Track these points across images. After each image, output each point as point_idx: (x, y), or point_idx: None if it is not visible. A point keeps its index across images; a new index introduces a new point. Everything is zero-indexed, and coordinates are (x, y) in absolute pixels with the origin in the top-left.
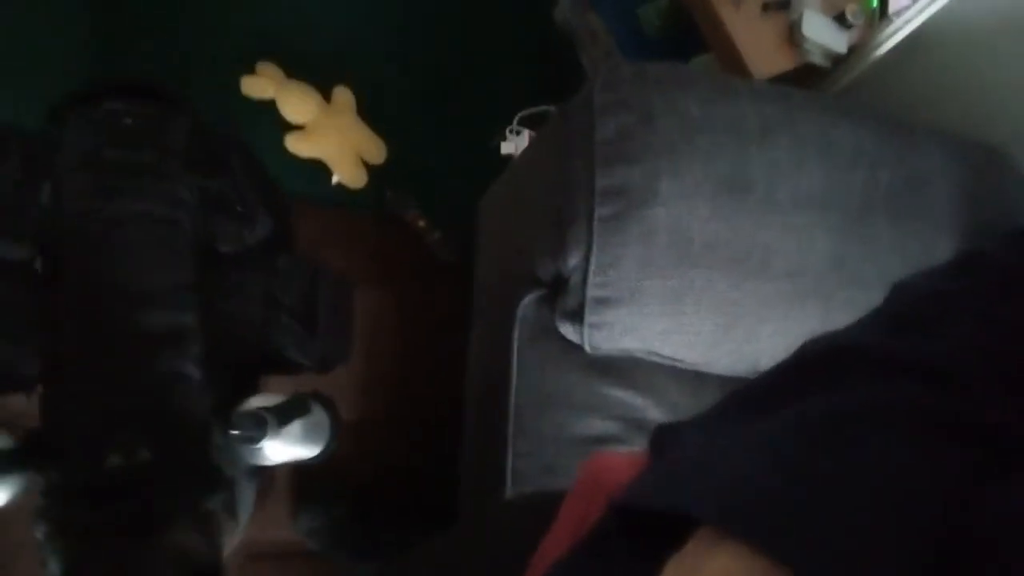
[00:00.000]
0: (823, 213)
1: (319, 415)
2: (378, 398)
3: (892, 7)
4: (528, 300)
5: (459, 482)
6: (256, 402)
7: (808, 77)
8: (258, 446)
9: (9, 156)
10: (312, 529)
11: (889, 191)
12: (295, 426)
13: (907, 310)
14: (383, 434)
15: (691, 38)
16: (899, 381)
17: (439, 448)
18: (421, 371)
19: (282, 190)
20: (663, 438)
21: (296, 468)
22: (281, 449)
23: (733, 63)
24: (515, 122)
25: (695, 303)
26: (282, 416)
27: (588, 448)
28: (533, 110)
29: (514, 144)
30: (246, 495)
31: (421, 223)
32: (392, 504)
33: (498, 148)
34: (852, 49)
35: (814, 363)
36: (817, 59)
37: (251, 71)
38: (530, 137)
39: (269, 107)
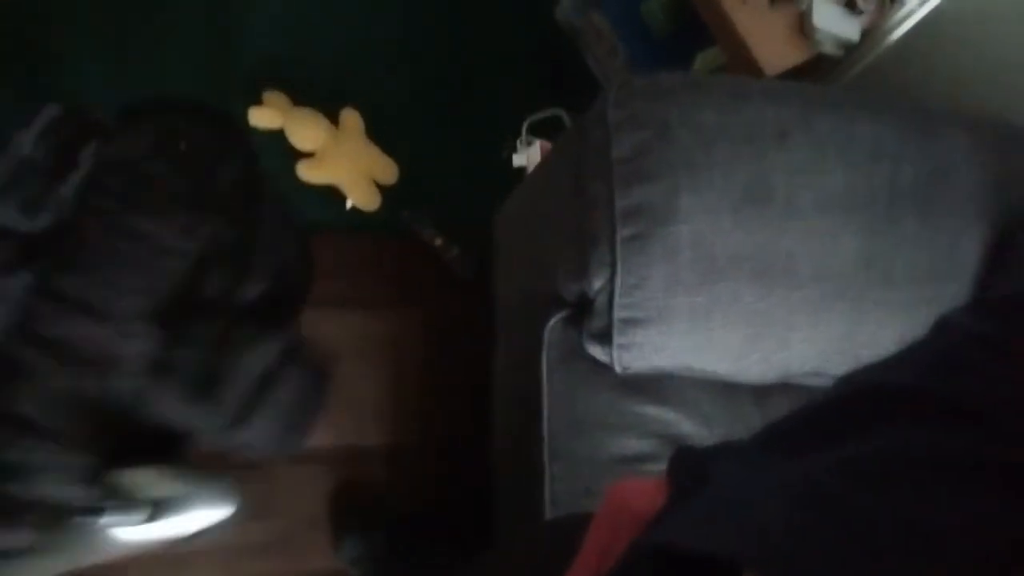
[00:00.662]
0: (847, 214)
1: (210, 496)
2: (408, 422)
3: None
4: (554, 322)
5: (495, 504)
6: (138, 477)
7: (819, 67)
8: (109, 529)
9: (53, 134)
10: (354, 558)
11: (913, 185)
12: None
13: (951, 351)
14: (416, 458)
15: (697, 31)
16: (943, 425)
17: (473, 469)
18: (448, 391)
19: (306, 269)
20: (686, 465)
21: (335, 497)
22: (145, 533)
23: (742, 58)
24: (524, 131)
25: (723, 317)
26: (155, 512)
27: (626, 468)
28: (541, 115)
29: (526, 155)
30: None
31: (438, 241)
32: (430, 529)
33: (510, 159)
34: (864, 35)
35: (854, 402)
36: (829, 49)
37: (256, 101)
38: (541, 146)
39: (277, 136)
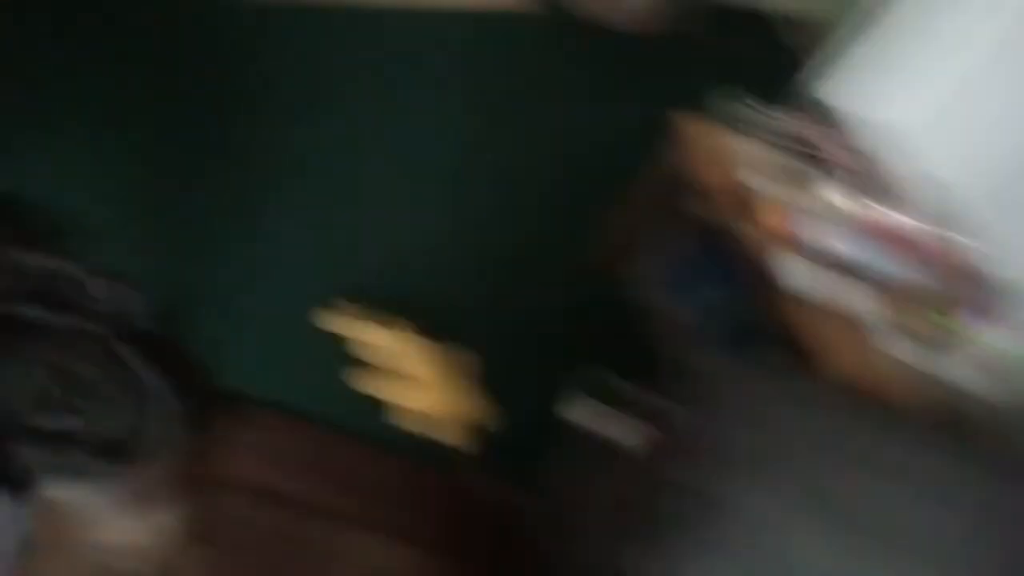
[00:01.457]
0: (931, 554)
1: None
2: None
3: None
4: None
5: None
6: None
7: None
8: None
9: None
10: None
11: (1000, 540)
12: None
13: None
14: None
15: (768, 329)
16: None
17: None
18: None
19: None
20: None
21: None
22: None
23: (814, 366)
24: (572, 389)
25: None
26: None
27: None
28: (591, 374)
29: (580, 412)
30: None
31: (499, 494)
32: None
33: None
34: (943, 374)
35: None
36: (911, 379)
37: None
38: (595, 406)
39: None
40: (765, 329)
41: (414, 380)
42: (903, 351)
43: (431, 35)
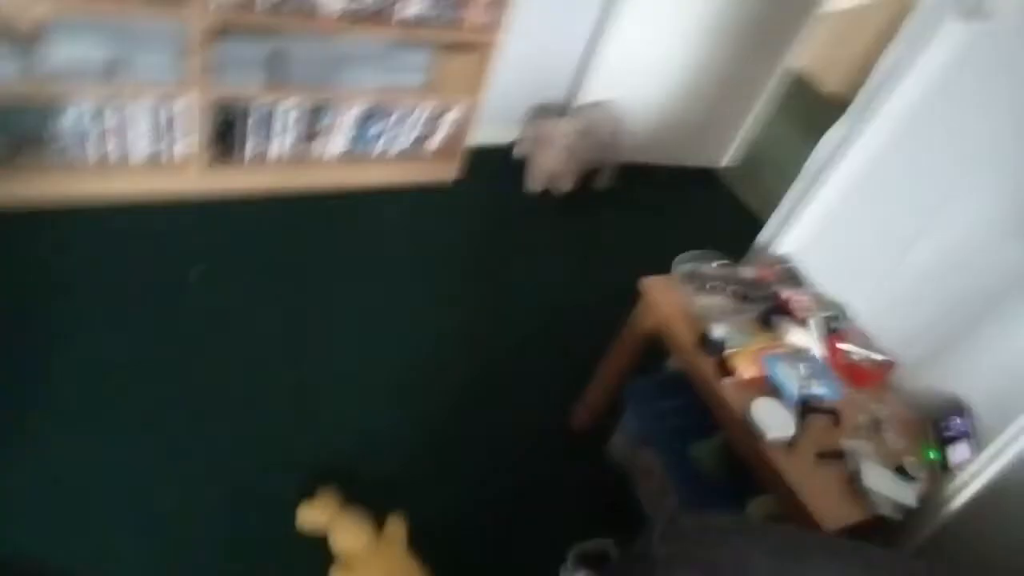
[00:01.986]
0: None
1: None
2: None
3: (953, 460)
4: None
5: None
6: None
7: (884, 528)
8: None
9: None
10: None
11: None
12: None
13: None
14: None
15: (750, 477)
16: None
17: None
18: None
19: None
20: None
21: None
22: None
23: (796, 509)
24: (570, 560)
25: None
26: None
27: None
28: (588, 545)
29: None
30: None
31: None
32: None
33: None
34: (924, 501)
35: None
36: (887, 511)
37: (309, 493)
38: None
39: (317, 541)
40: (746, 478)
41: (346, 552)
42: (884, 485)
43: (374, 213)
